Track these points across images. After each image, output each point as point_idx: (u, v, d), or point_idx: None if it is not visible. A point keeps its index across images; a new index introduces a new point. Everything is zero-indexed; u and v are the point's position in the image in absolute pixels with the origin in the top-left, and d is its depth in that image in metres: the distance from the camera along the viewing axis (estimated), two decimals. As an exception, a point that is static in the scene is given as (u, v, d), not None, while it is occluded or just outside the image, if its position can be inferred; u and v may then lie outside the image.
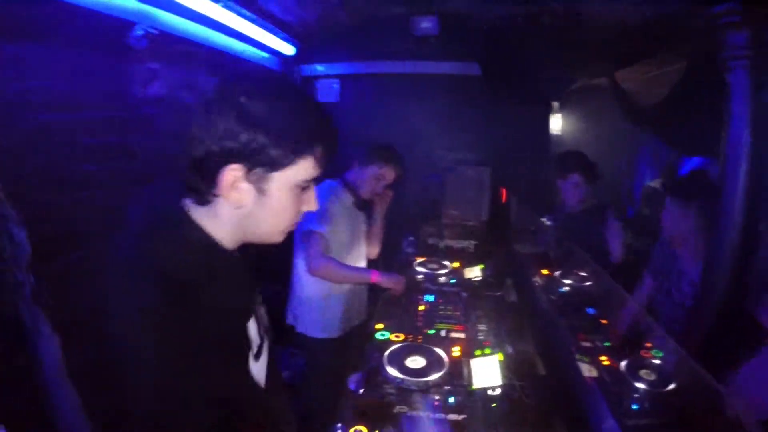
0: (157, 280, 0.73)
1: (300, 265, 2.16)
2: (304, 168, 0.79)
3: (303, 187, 0.82)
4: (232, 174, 0.74)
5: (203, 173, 0.76)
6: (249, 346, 0.87)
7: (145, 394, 0.71)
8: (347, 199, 2.24)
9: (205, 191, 0.77)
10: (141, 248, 0.79)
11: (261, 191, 0.78)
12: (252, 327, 0.90)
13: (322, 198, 2.06)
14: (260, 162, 0.75)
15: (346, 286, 2.21)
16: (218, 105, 0.74)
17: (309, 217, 2.06)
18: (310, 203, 0.86)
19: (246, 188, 0.77)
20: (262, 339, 0.93)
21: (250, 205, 0.79)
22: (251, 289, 0.95)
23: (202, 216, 0.80)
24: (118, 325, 0.76)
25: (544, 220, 2.57)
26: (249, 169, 0.75)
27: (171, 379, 0.70)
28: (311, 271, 2.02)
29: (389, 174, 2.24)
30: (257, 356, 0.90)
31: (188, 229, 0.80)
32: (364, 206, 2.33)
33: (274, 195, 0.79)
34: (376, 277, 2.07)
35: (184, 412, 0.71)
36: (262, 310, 0.97)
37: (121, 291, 0.78)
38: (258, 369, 0.90)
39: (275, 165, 0.76)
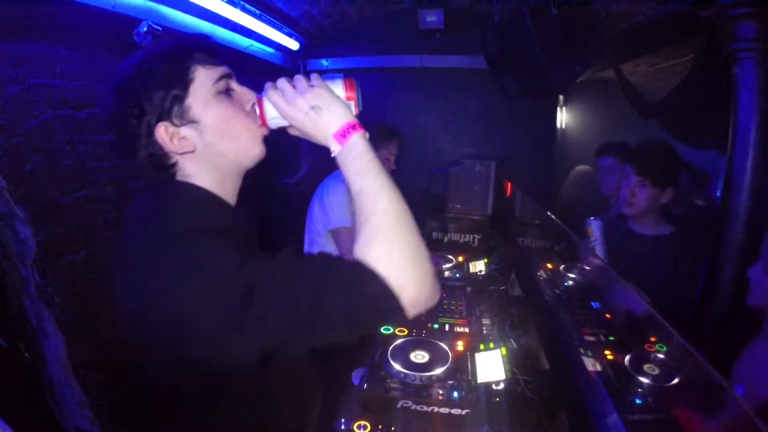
0: (171, 234, 0.73)
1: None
2: (201, 78, 0.81)
3: (223, 91, 0.84)
4: (162, 130, 0.80)
5: (149, 157, 0.82)
6: None
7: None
8: None
9: (165, 166, 0.83)
10: (151, 221, 0.79)
11: (193, 123, 0.81)
12: None
13: (339, 193, 2.06)
14: (167, 105, 0.79)
15: None
16: (117, 114, 0.82)
17: (331, 214, 2.05)
18: (247, 96, 0.87)
19: (182, 131, 0.81)
20: None
21: (199, 141, 0.82)
22: (255, 245, 0.90)
23: (183, 179, 0.84)
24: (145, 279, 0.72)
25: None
26: (167, 118, 0.80)
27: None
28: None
29: (393, 150, 2.30)
30: None
31: (181, 189, 0.84)
32: None
33: (205, 115, 0.81)
34: None
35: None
36: None
37: (136, 244, 0.77)
38: None
39: (179, 96, 0.80)
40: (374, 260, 0.69)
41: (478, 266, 2.39)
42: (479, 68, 3.01)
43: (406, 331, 1.68)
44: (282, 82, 0.84)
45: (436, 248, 2.79)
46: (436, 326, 1.74)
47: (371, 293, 0.68)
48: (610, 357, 1.26)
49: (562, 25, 1.94)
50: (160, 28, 1.79)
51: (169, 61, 0.81)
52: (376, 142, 2.24)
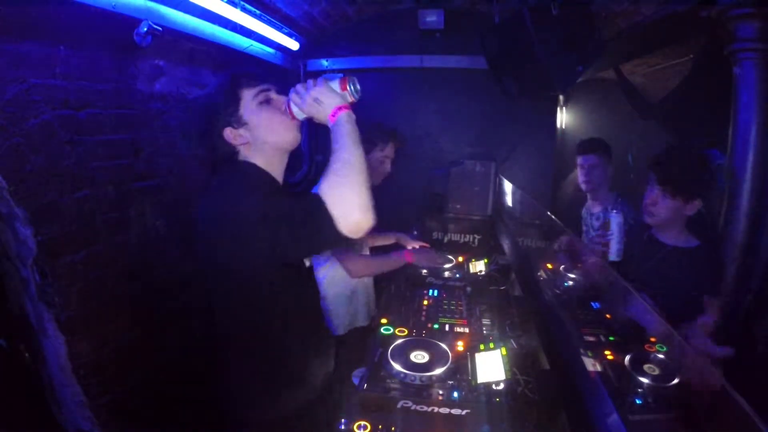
0: (240, 189, 1.15)
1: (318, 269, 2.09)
2: (246, 95, 1.22)
3: (265, 101, 1.24)
4: (228, 133, 1.21)
5: (224, 153, 1.23)
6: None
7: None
8: None
9: (233, 153, 1.24)
10: (223, 182, 1.20)
11: (245, 124, 1.22)
12: None
13: None
14: (228, 117, 1.21)
15: (354, 285, 2.19)
16: (193, 131, 1.27)
17: None
18: (281, 101, 1.25)
19: (240, 131, 1.22)
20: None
21: (251, 136, 1.22)
22: None
23: (250, 162, 1.24)
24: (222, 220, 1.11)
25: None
26: (230, 124, 1.21)
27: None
28: (353, 274, 2.07)
29: (392, 150, 2.28)
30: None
31: (249, 167, 1.23)
32: None
33: (251, 118, 1.22)
34: (410, 257, 2.16)
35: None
36: None
37: (219, 200, 1.17)
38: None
39: (233, 110, 1.21)
40: (324, 194, 1.03)
41: (478, 266, 2.39)
42: (479, 68, 3.01)
43: (406, 332, 1.68)
44: (298, 86, 1.21)
45: (436, 248, 2.79)
46: (436, 326, 1.74)
47: (317, 221, 1.02)
48: (610, 357, 1.26)
49: (562, 25, 1.94)
50: (160, 28, 1.79)
51: (225, 90, 1.23)
52: (370, 143, 2.16)
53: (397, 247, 2.49)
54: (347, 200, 1.03)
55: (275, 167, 1.28)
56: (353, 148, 1.11)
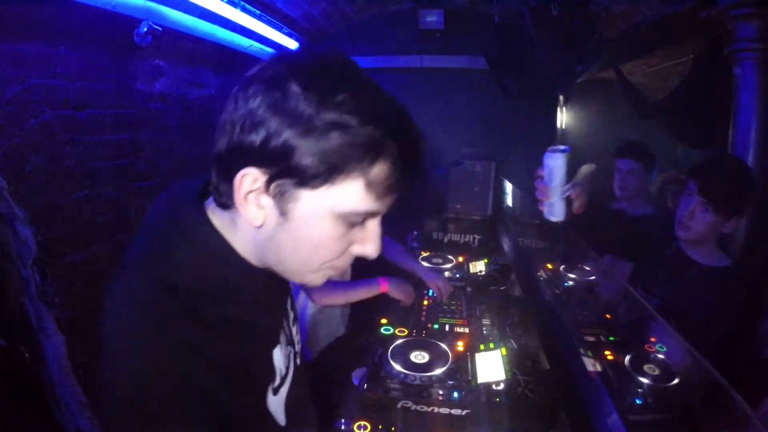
0: (161, 287, 0.57)
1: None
2: (351, 192, 0.55)
3: (353, 222, 0.59)
4: (248, 180, 0.54)
5: (221, 173, 0.58)
6: (271, 379, 0.70)
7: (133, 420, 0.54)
8: None
9: (224, 194, 0.59)
10: (150, 250, 0.63)
11: (283, 212, 0.56)
12: (278, 354, 0.72)
13: None
14: (284, 170, 0.53)
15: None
16: (257, 84, 0.54)
17: None
18: (366, 244, 0.62)
19: (266, 203, 0.56)
20: (287, 368, 0.75)
21: (271, 228, 0.58)
22: (281, 307, 0.76)
23: (222, 222, 0.62)
24: (113, 335, 0.63)
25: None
26: (270, 178, 0.54)
27: (166, 409, 0.54)
28: (320, 302, 1.83)
29: None
30: (277, 390, 0.72)
31: (204, 233, 0.62)
32: None
33: (301, 222, 0.57)
34: (385, 287, 1.85)
35: None
36: (293, 330, 0.81)
37: (122, 295, 0.62)
38: (277, 403, 0.72)
39: (305, 180, 0.53)
40: None
41: (478, 266, 2.39)
42: (479, 68, 3.01)
43: (406, 332, 1.68)
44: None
45: (436, 248, 2.79)
46: (436, 326, 1.74)
47: None
48: (610, 357, 1.26)
49: (562, 25, 1.94)
50: (160, 28, 1.79)
51: (359, 128, 0.54)
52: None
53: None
54: None
55: (260, 263, 0.65)
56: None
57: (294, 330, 0.81)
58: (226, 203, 0.60)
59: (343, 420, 1.21)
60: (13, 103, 1.44)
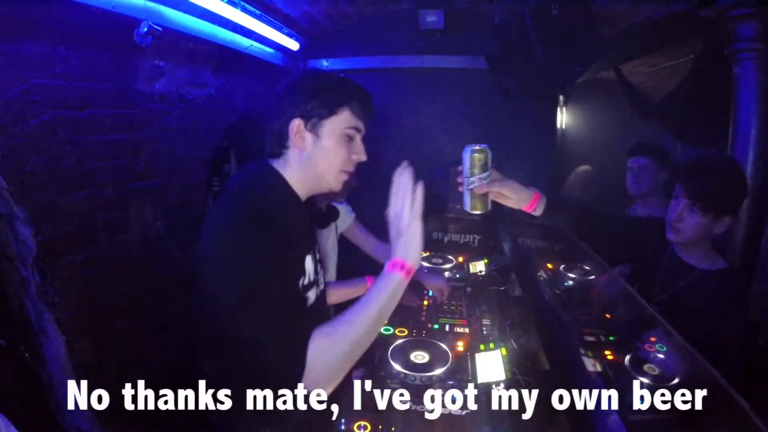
0: (243, 206, 1.02)
1: None
2: (345, 118, 1.09)
3: (349, 136, 1.11)
4: (296, 124, 1.07)
5: (278, 134, 1.09)
6: (302, 274, 1.10)
7: (228, 290, 0.93)
8: None
9: (279, 145, 1.10)
10: (235, 187, 1.12)
11: (317, 136, 1.08)
12: (309, 262, 1.13)
13: None
14: (312, 114, 1.07)
15: None
16: (282, 93, 1.11)
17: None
18: (359, 153, 1.13)
19: (306, 135, 1.08)
20: (315, 276, 1.16)
21: (309, 148, 1.09)
22: (309, 232, 1.22)
23: (279, 165, 1.11)
24: (213, 236, 1.01)
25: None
26: (306, 121, 1.07)
27: (248, 278, 0.93)
28: None
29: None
30: (309, 287, 1.12)
31: (269, 174, 1.10)
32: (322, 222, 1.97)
33: (326, 139, 1.09)
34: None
35: (260, 305, 0.92)
36: (319, 266, 1.21)
37: (220, 212, 1.06)
38: (311, 296, 1.14)
39: (323, 115, 1.08)
40: (316, 350, 0.91)
41: (478, 266, 2.39)
42: (479, 68, 3.01)
43: (406, 332, 1.68)
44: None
45: (436, 248, 2.79)
46: (436, 326, 1.74)
47: (280, 360, 0.92)
48: (610, 357, 1.26)
49: (562, 25, 1.94)
50: (160, 28, 1.79)
51: (337, 91, 1.10)
52: None
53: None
54: (332, 379, 0.94)
55: (304, 191, 1.15)
56: (382, 319, 0.99)
57: (318, 256, 1.22)
58: (281, 151, 1.11)
59: (343, 420, 1.21)
60: (13, 103, 1.44)
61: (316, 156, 1.09)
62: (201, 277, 1.00)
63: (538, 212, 1.36)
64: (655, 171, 2.22)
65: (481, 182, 1.25)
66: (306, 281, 1.11)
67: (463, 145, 1.27)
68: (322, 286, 1.23)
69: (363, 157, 1.14)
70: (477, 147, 1.26)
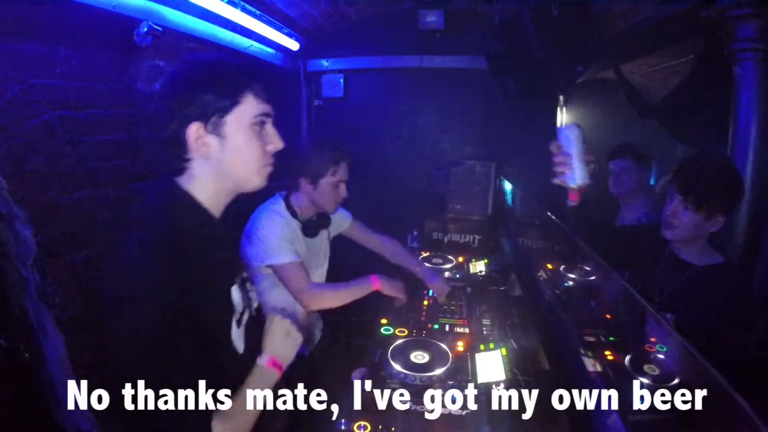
0: (152, 242, 0.87)
1: (273, 301, 1.80)
2: (250, 105, 0.93)
3: (259, 124, 0.95)
4: (194, 130, 0.89)
5: (174, 144, 0.91)
6: (231, 310, 0.98)
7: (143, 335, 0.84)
8: (295, 225, 1.86)
9: (178, 158, 0.92)
10: (140, 219, 0.97)
11: (222, 137, 0.91)
12: (236, 293, 1.00)
13: (275, 227, 1.77)
14: (210, 112, 0.89)
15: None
16: (167, 92, 0.93)
17: (272, 250, 1.74)
18: (274, 140, 0.98)
19: (209, 139, 0.91)
20: (244, 309, 1.03)
21: (216, 153, 0.92)
22: (233, 255, 1.11)
23: (185, 182, 0.94)
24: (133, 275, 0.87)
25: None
26: (205, 123, 0.89)
27: (165, 323, 0.82)
28: (309, 307, 1.76)
29: (345, 172, 1.86)
30: (239, 323, 1.00)
31: (172, 197, 0.94)
32: (314, 231, 1.92)
33: (234, 136, 0.92)
34: (377, 284, 1.81)
35: (175, 353, 0.84)
36: (248, 285, 1.09)
37: (136, 245, 0.90)
38: (238, 335, 0.99)
39: (224, 109, 0.90)
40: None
41: (478, 266, 2.39)
42: (479, 68, 3.01)
43: (406, 332, 1.68)
44: None
45: (436, 248, 2.80)
46: (436, 327, 1.74)
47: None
48: (610, 357, 1.26)
49: (562, 25, 1.94)
50: (160, 29, 1.79)
51: (233, 75, 0.94)
52: (320, 167, 1.78)
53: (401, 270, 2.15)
54: None
55: (219, 205, 0.99)
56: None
57: (248, 284, 1.09)
58: (182, 165, 0.93)
59: (343, 420, 1.21)
60: (13, 103, 1.44)
61: (228, 160, 0.93)
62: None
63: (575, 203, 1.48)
64: (636, 171, 2.31)
65: (588, 151, 1.37)
66: (237, 316, 0.99)
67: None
68: (255, 305, 1.11)
69: (279, 145, 0.99)
70: (574, 123, 1.37)
